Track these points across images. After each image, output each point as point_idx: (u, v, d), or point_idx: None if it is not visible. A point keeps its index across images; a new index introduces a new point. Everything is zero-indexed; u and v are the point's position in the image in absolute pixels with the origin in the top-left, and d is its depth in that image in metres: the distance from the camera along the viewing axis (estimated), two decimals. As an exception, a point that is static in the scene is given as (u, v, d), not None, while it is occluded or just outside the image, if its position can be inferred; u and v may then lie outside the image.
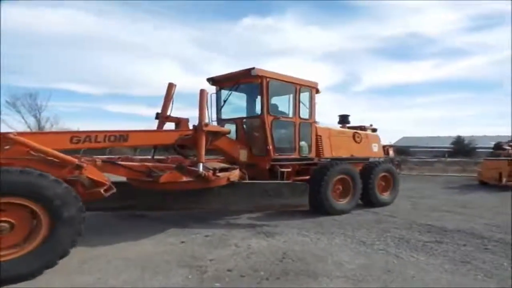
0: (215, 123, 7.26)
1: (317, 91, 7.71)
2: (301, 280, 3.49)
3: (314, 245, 4.73)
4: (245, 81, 6.92)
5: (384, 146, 10.23)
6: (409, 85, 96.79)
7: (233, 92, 7.21)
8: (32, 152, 3.96)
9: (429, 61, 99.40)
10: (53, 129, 34.59)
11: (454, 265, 3.96)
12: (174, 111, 6.30)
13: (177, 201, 5.76)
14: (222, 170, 5.57)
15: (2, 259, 3.34)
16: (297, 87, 7.22)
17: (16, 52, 56.99)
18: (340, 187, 7.24)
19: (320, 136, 7.71)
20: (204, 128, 5.31)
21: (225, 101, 7.36)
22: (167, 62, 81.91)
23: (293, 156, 7.14)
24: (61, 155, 4.12)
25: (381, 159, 9.14)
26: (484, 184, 12.94)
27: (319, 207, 6.72)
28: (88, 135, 4.59)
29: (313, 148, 7.54)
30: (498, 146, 15.64)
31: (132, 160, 5.67)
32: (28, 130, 34.77)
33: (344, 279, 3.52)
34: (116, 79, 74.20)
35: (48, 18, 58.19)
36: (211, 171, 5.15)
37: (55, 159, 4.07)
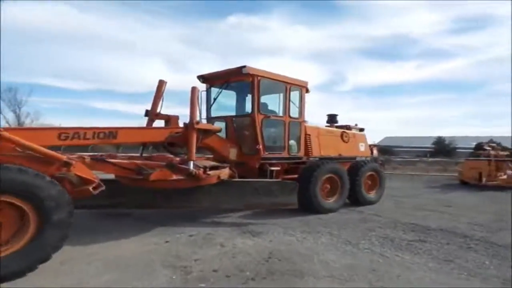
0: (205, 121, 7.19)
1: (307, 91, 7.73)
2: (287, 280, 3.45)
3: (300, 245, 4.71)
4: (236, 79, 6.88)
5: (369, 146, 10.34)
6: (393, 86, 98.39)
7: (223, 90, 7.17)
8: (18, 149, 3.83)
9: (413, 62, 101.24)
10: (34, 125, 33.72)
11: (438, 263, 4.00)
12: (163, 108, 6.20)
13: (167, 200, 5.71)
14: (213, 168, 5.54)
15: None
16: (287, 86, 7.22)
17: (-5, 45, 55.29)
18: (328, 186, 7.30)
19: (309, 135, 7.73)
20: (196, 126, 5.26)
21: (215, 99, 7.32)
22: (152, 59, 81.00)
23: (282, 155, 7.15)
24: (49, 151, 4.01)
25: (368, 159, 9.27)
26: (464, 184, 13.24)
27: (308, 206, 6.75)
28: (77, 132, 4.48)
29: (302, 147, 7.56)
30: (479, 147, 16.00)
31: (116, 157, 5.55)
32: (6, 125, 33.79)
33: (330, 278, 3.50)
34: (100, 76, 73.09)
35: (30, 12, 56.77)
36: (201, 169, 5.11)
37: (42, 156, 3.96)
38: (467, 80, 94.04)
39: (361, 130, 10.02)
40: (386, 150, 33.62)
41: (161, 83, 6.19)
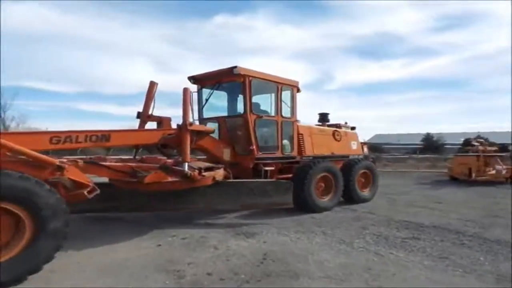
0: (197, 122, 7.14)
1: (298, 90, 7.74)
2: (282, 281, 3.40)
3: (295, 245, 4.66)
4: (227, 79, 6.84)
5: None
6: (381, 84, 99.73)
7: (214, 91, 7.12)
8: (7, 153, 3.72)
9: (399, 60, 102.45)
10: (20, 129, 33.06)
11: (432, 261, 3.99)
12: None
13: (162, 202, 5.66)
14: (207, 169, 5.48)
15: None
16: (279, 86, 7.21)
17: (-23, 48, 54.09)
18: (323, 184, 7.30)
19: (301, 134, 7.74)
20: (189, 127, 5.21)
21: (207, 100, 7.27)
22: (138, 60, 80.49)
23: (276, 155, 7.14)
24: (41, 156, 3.93)
25: (361, 157, 9.30)
26: (454, 180, 13.37)
27: (303, 205, 6.74)
28: (69, 135, 4.41)
29: (295, 147, 7.57)
30: (467, 143, 16.20)
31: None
32: (-8, 130, 33.06)
33: (326, 279, 3.46)
34: (86, 78, 72.27)
35: (11, 13, 55.65)
36: (196, 171, 5.05)
37: (35, 161, 3.86)
38: (453, 78, 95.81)
39: (353, 128, 10.07)
40: (376, 147, 33.88)
41: (152, 85, 6.11)
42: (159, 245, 4.67)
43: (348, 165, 8.23)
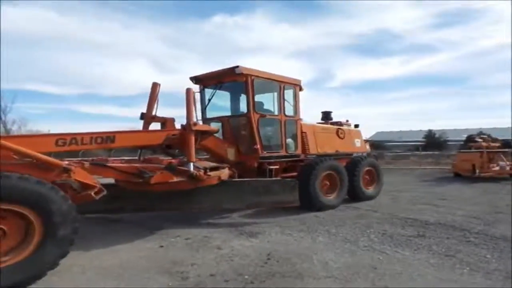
0: (201, 122, 7.10)
1: (301, 89, 7.73)
2: (287, 282, 3.36)
3: (298, 244, 4.61)
4: (229, 79, 6.85)
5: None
6: (381, 81, 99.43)
7: (217, 91, 7.13)
8: (14, 156, 3.76)
9: (398, 57, 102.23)
10: (21, 132, 33.06)
11: (439, 259, 3.93)
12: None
13: (168, 202, 5.68)
14: (213, 169, 5.49)
15: None
16: (281, 85, 7.22)
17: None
18: (328, 182, 7.29)
19: (305, 132, 7.75)
20: (193, 128, 5.22)
21: (209, 100, 7.27)
22: (137, 61, 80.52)
23: (280, 154, 7.14)
24: (48, 158, 3.96)
25: (364, 154, 9.27)
26: (458, 176, 13.28)
27: (308, 203, 6.71)
28: (74, 137, 4.41)
29: (299, 145, 7.57)
30: (470, 139, 16.12)
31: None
32: (-6, 133, 33.04)
33: (331, 279, 3.41)
34: (85, 80, 72.17)
35: (9, 16, 55.55)
36: (202, 171, 5.05)
37: (42, 163, 3.88)
38: (452, 74, 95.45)
39: (356, 126, 10.06)
40: (378, 145, 33.78)
41: (155, 86, 6.11)
42: (162, 246, 4.64)
43: (353, 162, 8.22)
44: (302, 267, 3.73)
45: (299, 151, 7.55)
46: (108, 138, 4.69)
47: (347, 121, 10.08)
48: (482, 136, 15.87)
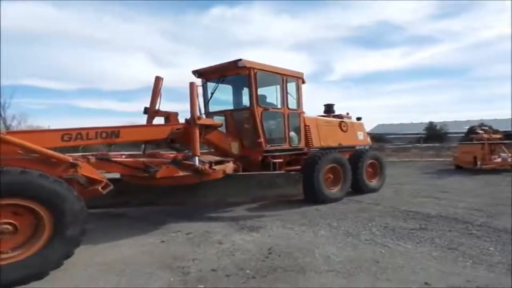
0: (204, 116, 7.08)
1: (303, 81, 7.70)
2: (288, 276, 3.33)
3: (300, 238, 4.59)
4: (232, 72, 6.81)
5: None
6: (381, 73, 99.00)
7: (219, 85, 7.10)
8: (19, 151, 3.76)
9: (399, 48, 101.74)
10: (21, 128, 33.01)
11: (442, 252, 3.91)
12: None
13: (173, 196, 5.69)
14: (218, 163, 5.48)
15: None
16: (283, 78, 7.18)
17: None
18: (331, 175, 7.31)
19: (308, 126, 7.73)
20: (197, 122, 5.20)
21: (212, 94, 7.24)
22: (136, 55, 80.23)
23: (284, 147, 7.15)
24: (55, 153, 3.96)
25: (367, 147, 9.26)
26: (459, 168, 13.25)
27: (313, 196, 6.73)
28: (79, 132, 4.43)
29: (302, 138, 7.56)
30: (471, 131, 16.03)
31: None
32: (-5, 129, 32.95)
33: (333, 273, 3.39)
34: (84, 74, 71.99)
35: (6, 11, 55.20)
36: (207, 165, 5.05)
37: (48, 158, 3.89)
38: (453, 65, 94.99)
39: (359, 119, 10.03)
40: (379, 137, 33.69)
41: (158, 80, 6.08)
42: (163, 241, 4.63)
43: (356, 155, 8.24)
44: (304, 261, 3.71)
45: (302, 144, 7.54)
46: (113, 133, 4.70)
47: (347, 114, 10.04)
48: (483, 127, 15.77)
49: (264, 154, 6.75)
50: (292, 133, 7.36)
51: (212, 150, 7.22)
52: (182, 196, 5.73)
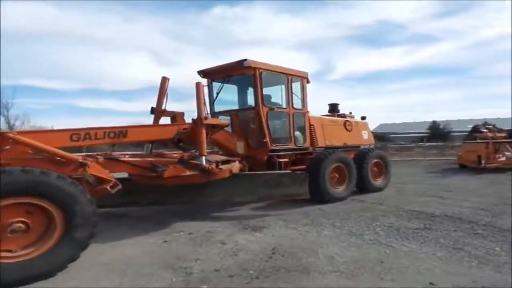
0: (209, 117, 7.10)
1: (308, 81, 7.70)
2: (292, 277, 3.30)
3: (303, 238, 4.56)
4: (237, 72, 6.83)
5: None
6: (383, 72, 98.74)
7: (224, 85, 7.12)
8: (29, 151, 3.82)
9: (401, 47, 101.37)
10: (25, 128, 33.13)
11: (447, 252, 3.87)
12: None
13: (180, 195, 5.74)
14: (224, 162, 5.51)
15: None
16: (288, 78, 7.20)
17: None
18: (337, 175, 7.32)
19: (313, 125, 7.75)
20: (204, 122, 5.22)
21: (217, 94, 7.25)
22: (136, 55, 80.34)
23: (289, 147, 7.15)
24: (64, 153, 4.01)
25: (372, 146, 9.23)
26: (463, 167, 13.17)
27: (318, 196, 6.75)
28: (88, 132, 4.47)
29: (308, 138, 7.57)
30: (475, 129, 15.95)
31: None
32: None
33: (337, 273, 3.35)
34: (85, 74, 72.14)
35: (8, 11, 55.34)
36: (214, 164, 5.06)
37: (58, 158, 3.95)
38: (455, 64, 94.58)
39: (363, 118, 10.02)
40: (381, 137, 33.60)
41: (164, 80, 6.11)
42: (166, 241, 4.60)
43: (361, 155, 8.24)
44: (308, 261, 3.68)
45: (307, 144, 7.56)
46: (120, 133, 4.73)
47: (350, 113, 10.01)
48: (487, 126, 15.69)
49: (270, 153, 6.76)
50: (297, 133, 7.37)
51: (216, 149, 7.24)
52: (189, 196, 5.76)
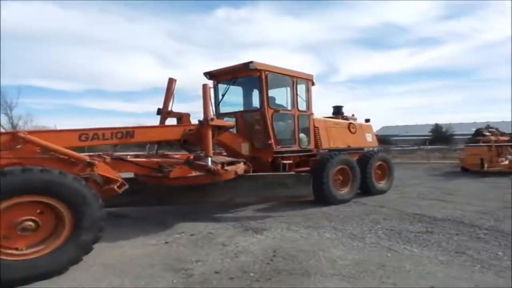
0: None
1: (313, 83, 7.73)
2: (293, 279, 3.29)
3: (305, 241, 4.54)
4: (243, 74, 6.86)
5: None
6: (387, 75, 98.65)
7: (230, 86, 7.16)
8: (38, 150, 3.90)
9: (404, 50, 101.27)
10: (28, 128, 33.21)
11: (449, 256, 3.85)
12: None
13: (186, 196, 5.79)
14: (229, 163, 5.53)
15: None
16: (294, 80, 7.23)
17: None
18: (340, 177, 7.36)
19: (317, 127, 7.79)
20: (210, 123, 5.25)
21: (223, 95, 7.28)
22: (141, 56, 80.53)
23: (293, 148, 7.19)
24: (73, 153, 4.09)
25: (376, 149, 9.22)
26: (466, 171, 13.10)
27: (322, 197, 6.78)
28: (96, 133, 4.56)
29: (312, 140, 7.60)
30: (478, 133, 15.85)
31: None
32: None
33: (338, 276, 3.33)
34: (89, 75, 72.34)
35: (11, 11, 55.51)
36: (219, 165, 5.09)
37: (66, 157, 4.02)
38: (458, 67, 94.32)
39: (367, 120, 10.00)
40: (384, 139, 33.51)
41: (171, 81, 6.17)
42: (167, 242, 4.60)
43: (364, 157, 8.25)
44: (309, 264, 3.67)
45: (311, 146, 7.58)
46: (128, 133, 4.80)
47: (352, 115, 10.01)
48: (490, 129, 15.60)
49: (274, 155, 6.79)
50: (302, 135, 7.40)
51: (219, 150, 7.25)
52: (194, 196, 5.80)
